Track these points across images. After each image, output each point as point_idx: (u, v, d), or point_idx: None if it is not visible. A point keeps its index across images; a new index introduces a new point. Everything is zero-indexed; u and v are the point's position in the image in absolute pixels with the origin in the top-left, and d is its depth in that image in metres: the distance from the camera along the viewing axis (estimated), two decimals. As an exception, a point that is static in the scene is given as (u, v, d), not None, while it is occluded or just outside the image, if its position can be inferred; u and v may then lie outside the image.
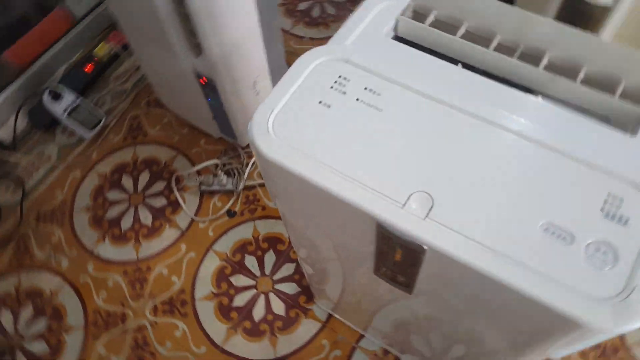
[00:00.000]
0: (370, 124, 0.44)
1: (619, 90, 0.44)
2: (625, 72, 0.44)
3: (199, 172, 1.22)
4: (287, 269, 1.10)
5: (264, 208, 1.20)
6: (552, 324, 0.39)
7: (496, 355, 0.56)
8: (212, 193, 1.20)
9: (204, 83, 1.04)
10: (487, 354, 0.57)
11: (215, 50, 0.96)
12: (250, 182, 1.23)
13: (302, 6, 1.54)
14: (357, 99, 0.45)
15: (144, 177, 1.23)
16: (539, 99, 0.46)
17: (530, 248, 0.38)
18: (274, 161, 0.45)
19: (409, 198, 0.40)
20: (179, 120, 1.31)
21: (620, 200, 0.38)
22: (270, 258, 1.11)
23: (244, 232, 1.15)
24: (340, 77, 0.47)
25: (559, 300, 0.36)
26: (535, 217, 0.39)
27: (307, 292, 1.08)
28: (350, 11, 0.56)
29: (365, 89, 0.46)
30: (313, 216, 0.53)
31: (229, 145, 1.28)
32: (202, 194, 1.19)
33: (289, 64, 0.49)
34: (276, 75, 1.28)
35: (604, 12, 0.71)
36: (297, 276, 1.10)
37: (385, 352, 1.00)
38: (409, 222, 0.39)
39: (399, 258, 0.44)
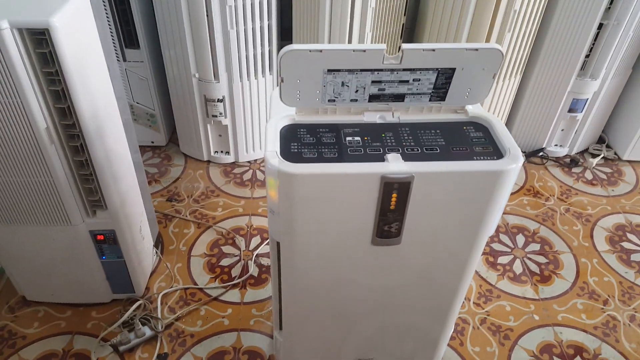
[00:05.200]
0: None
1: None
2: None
3: (104, 339, 1.13)
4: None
5: (192, 335, 1.15)
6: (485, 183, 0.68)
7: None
8: (132, 349, 1.12)
9: (101, 239, 1.06)
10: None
11: (116, 201, 1.01)
12: (167, 321, 1.17)
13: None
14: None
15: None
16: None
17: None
18: (306, 174, 0.63)
19: (386, 158, 0.68)
20: (57, 307, 1.20)
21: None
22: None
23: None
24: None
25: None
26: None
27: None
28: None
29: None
30: (326, 212, 0.69)
31: (125, 303, 1.21)
32: (122, 355, 1.11)
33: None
34: (150, 221, 1.27)
35: None
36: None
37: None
38: (396, 166, 0.66)
39: (393, 206, 0.68)
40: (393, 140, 0.72)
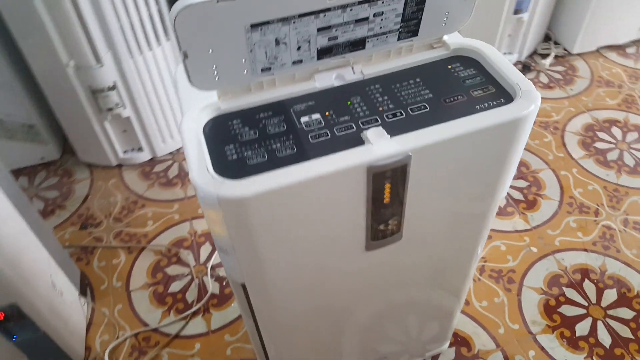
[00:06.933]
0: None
1: None
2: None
3: None
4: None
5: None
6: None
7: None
8: None
9: (2, 318, 0.85)
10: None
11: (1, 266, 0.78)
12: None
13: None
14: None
15: None
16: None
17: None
18: (261, 193, 0.44)
19: (367, 137, 0.49)
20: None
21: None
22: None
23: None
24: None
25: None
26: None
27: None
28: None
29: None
30: (300, 232, 0.51)
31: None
32: None
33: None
34: (65, 264, 1.03)
35: None
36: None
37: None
38: (385, 147, 0.48)
39: (387, 198, 0.50)
40: (365, 108, 0.53)
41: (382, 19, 0.52)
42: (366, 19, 0.51)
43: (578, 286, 1.06)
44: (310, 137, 0.50)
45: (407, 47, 0.57)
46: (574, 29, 1.62)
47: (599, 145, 1.37)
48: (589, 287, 1.06)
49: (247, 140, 0.50)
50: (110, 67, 1.16)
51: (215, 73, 0.49)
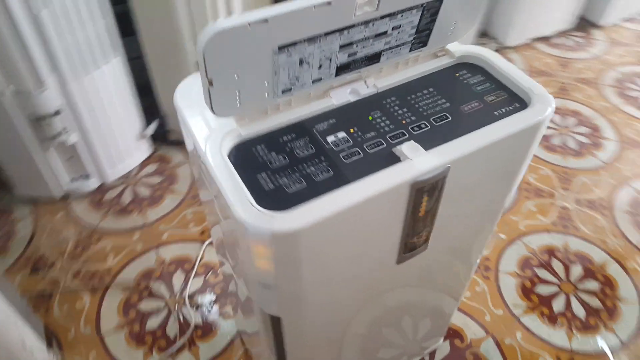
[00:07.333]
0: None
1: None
2: None
3: None
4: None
5: None
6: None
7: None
8: None
9: None
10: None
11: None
12: None
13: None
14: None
15: None
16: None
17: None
18: (315, 223, 0.43)
19: (402, 153, 0.48)
20: None
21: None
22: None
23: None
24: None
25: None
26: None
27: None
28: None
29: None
30: (341, 256, 0.51)
31: None
32: None
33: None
34: (31, 319, 0.97)
35: None
36: None
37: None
38: (426, 162, 0.48)
39: (422, 212, 0.50)
40: (388, 122, 0.53)
41: (398, 32, 0.52)
42: (384, 33, 0.51)
43: (548, 266, 1.15)
44: (343, 157, 0.49)
45: (414, 58, 0.58)
46: (506, 23, 1.74)
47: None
48: (557, 266, 1.15)
49: (278, 167, 0.48)
50: (54, 90, 1.05)
51: (237, 98, 0.47)
